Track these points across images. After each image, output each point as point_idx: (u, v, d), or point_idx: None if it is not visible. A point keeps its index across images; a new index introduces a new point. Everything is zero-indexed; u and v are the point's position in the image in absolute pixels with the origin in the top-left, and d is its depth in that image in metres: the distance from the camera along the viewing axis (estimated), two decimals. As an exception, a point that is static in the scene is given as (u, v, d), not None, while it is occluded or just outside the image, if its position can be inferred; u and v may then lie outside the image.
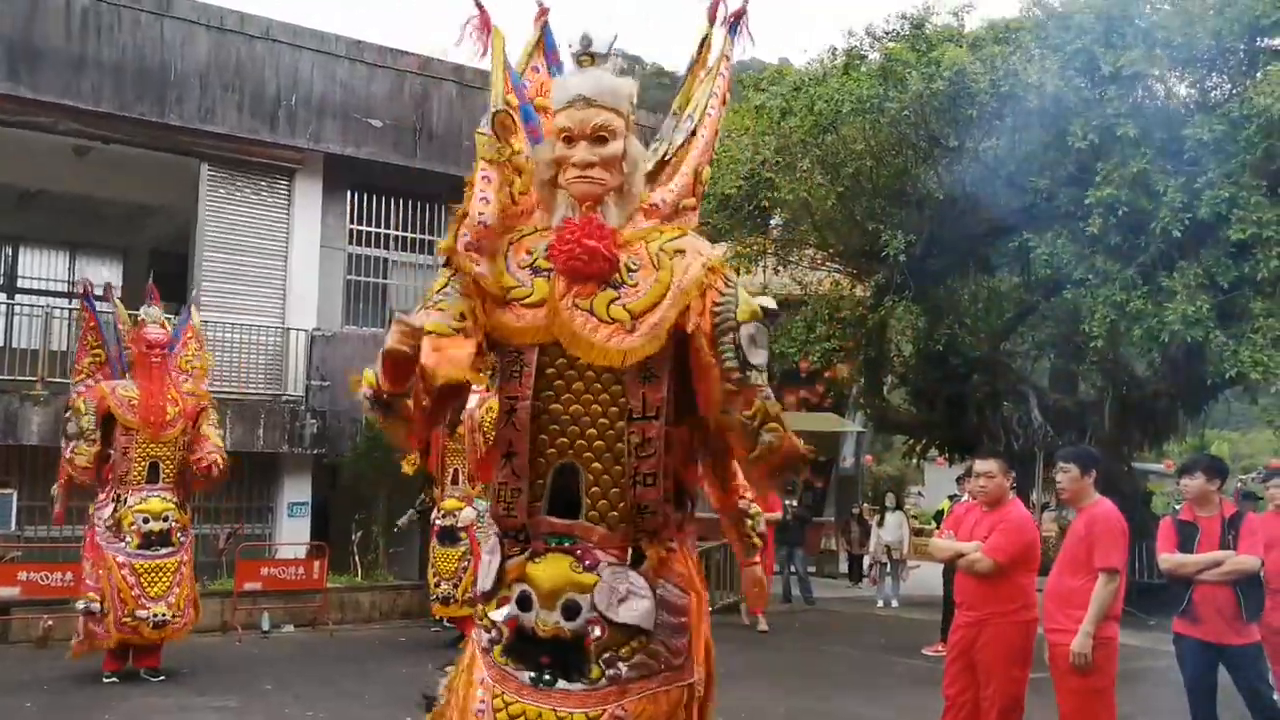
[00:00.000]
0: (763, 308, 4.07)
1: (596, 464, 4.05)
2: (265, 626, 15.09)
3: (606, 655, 4.00)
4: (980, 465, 8.25)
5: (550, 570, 4.07)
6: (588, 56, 4.26)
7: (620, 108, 4.16)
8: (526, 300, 4.11)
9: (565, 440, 4.07)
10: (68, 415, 11.75)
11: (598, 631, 3.99)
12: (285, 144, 17.92)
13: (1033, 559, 7.89)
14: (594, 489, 4.06)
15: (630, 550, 4.07)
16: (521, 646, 4.09)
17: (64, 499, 11.70)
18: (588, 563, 4.05)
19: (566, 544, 4.08)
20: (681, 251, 4.11)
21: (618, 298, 4.02)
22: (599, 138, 4.11)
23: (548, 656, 4.03)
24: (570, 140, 4.13)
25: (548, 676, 4.03)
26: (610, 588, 4.02)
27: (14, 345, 17.03)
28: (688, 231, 4.28)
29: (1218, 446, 33.90)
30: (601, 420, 4.01)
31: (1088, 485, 7.40)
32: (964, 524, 8.21)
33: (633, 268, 4.07)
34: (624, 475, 4.03)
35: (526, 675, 4.06)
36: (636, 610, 4.01)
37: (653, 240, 4.16)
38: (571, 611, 4.02)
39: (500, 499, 4.19)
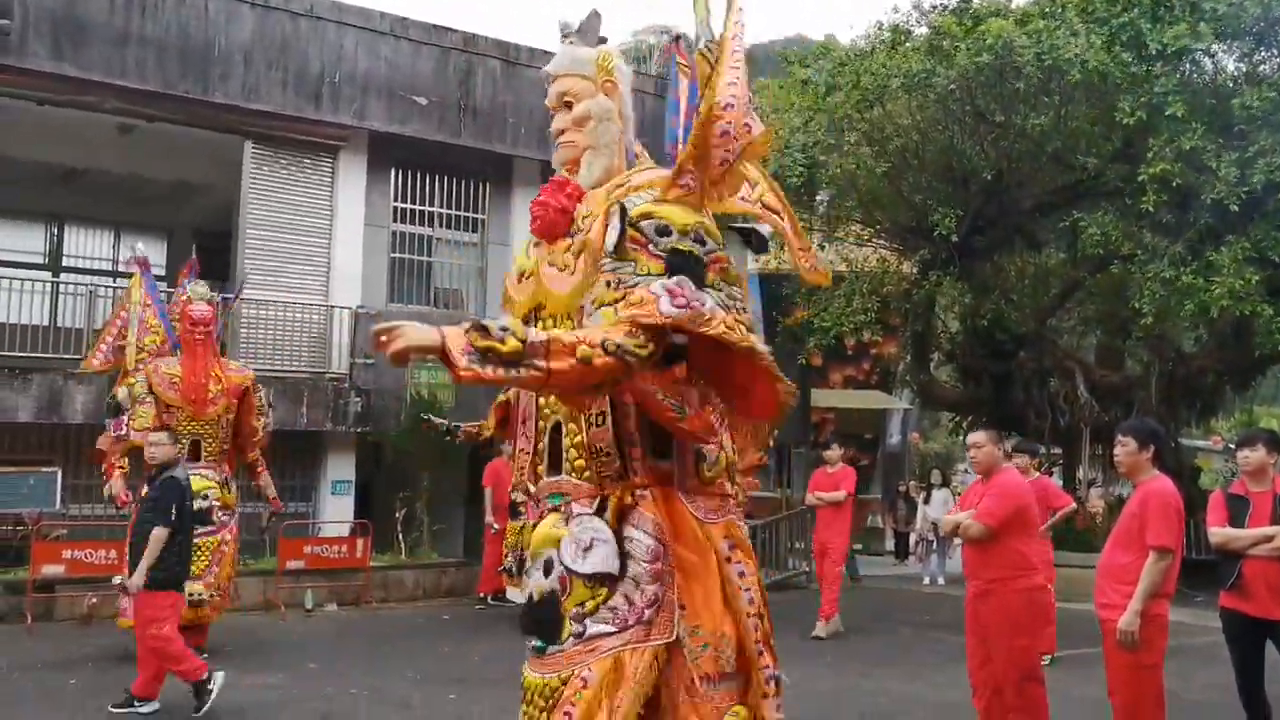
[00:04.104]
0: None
1: (569, 415, 4.10)
2: (309, 605, 15.15)
3: (574, 611, 3.96)
4: (971, 437, 8.44)
5: (540, 530, 4.13)
6: (565, 39, 4.48)
7: (582, 72, 4.33)
8: (524, 274, 4.32)
9: (555, 398, 4.11)
10: (112, 394, 11.79)
11: (563, 587, 3.99)
12: (330, 121, 17.91)
13: (1026, 523, 7.91)
14: (568, 441, 4.11)
15: (599, 499, 4.05)
16: (526, 615, 4.14)
17: (120, 484, 11.38)
18: (566, 516, 4.07)
19: (557, 502, 4.13)
20: (624, 184, 4.19)
21: (571, 245, 4.13)
22: (566, 104, 4.32)
23: (541, 621, 4.06)
24: (553, 117, 4.38)
25: (539, 643, 4.05)
26: (575, 540, 4.01)
27: (59, 324, 17.12)
28: (654, 166, 4.33)
29: (1265, 422, 33.49)
30: None
31: (1145, 460, 7.24)
32: (968, 499, 8.38)
33: (587, 214, 4.15)
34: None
35: (532, 645, 4.09)
36: (598, 556, 3.97)
37: (618, 184, 4.22)
38: (548, 568, 4.04)
39: (520, 468, 4.30)
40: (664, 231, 3.89)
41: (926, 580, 20.66)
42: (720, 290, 3.89)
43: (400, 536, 17.22)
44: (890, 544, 26.58)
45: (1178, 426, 21.93)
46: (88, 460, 15.28)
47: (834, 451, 14.65)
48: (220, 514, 11.42)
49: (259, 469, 12.40)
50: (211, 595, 11.23)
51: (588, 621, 3.93)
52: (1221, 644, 8.31)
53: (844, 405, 27.76)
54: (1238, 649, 8.06)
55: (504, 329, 3.45)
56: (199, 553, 11.09)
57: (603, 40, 4.53)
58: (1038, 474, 12.53)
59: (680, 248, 3.88)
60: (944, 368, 25.26)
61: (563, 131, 4.30)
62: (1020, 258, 21.35)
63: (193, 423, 11.38)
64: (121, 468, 11.39)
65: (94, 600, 13.55)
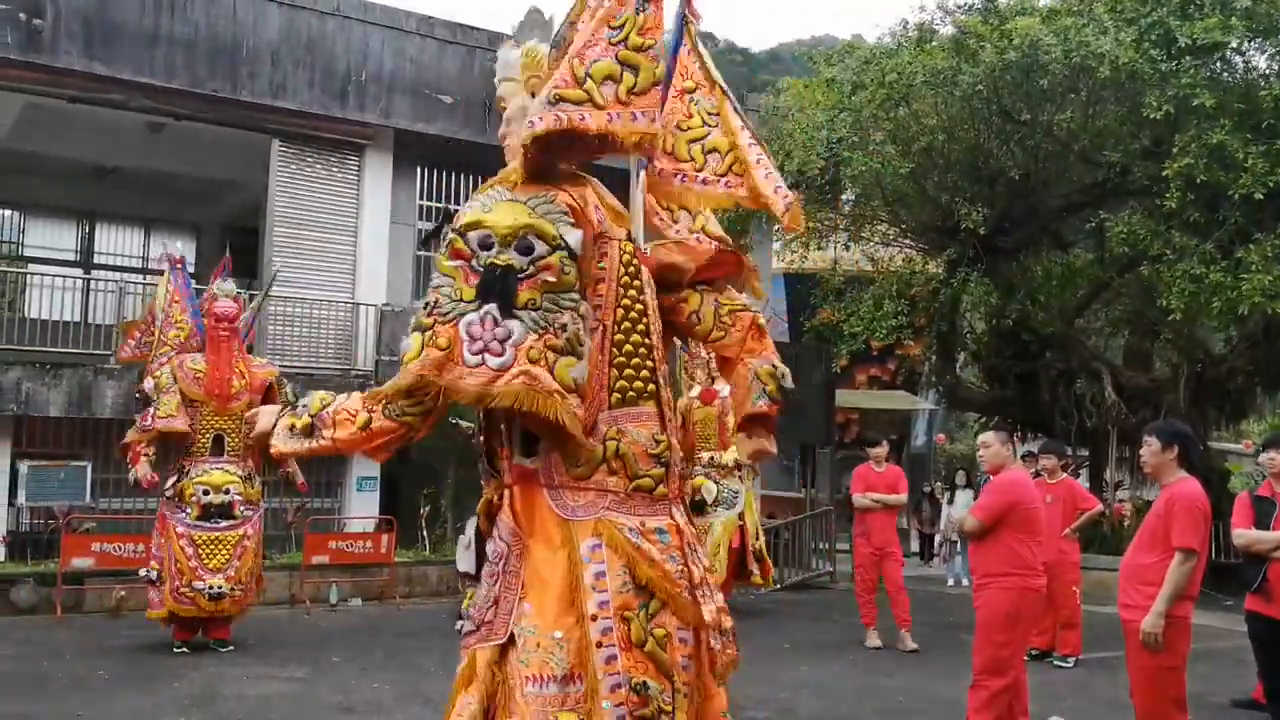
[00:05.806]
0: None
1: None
2: (333, 600, 15.21)
3: (462, 608, 4.02)
4: (980, 437, 8.66)
5: None
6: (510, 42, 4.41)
7: (508, 75, 4.29)
8: None
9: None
10: (139, 387, 11.89)
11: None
12: (356, 120, 17.99)
13: (1021, 522, 7.75)
14: None
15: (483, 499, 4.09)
16: None
17: (146, 468, 11.46)
18: None
19: None
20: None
21: None
22: (503, 109, 4.31)
23: None
24: None
25: None
26: (462, 540, 4.11)
27: (90, 320, 17.27)
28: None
29: (1297, 426, 33.29)
30: None
31: (1169, 461, 7.03)
32: None
33: None
34: None
35: None
36: (464, 556, 4.06)
37: None
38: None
39: None
40: (486, 244, 3.68)
41: (950, 581, 20.57)
42: (538, 309, 3.63)
43: (424, 533, 17.28)
44: (915, 545, 26.50)
45: (1207, 429, 21.78)
46: (117, 454, 15.45)
47: (881, 449, 13.63)
48: (243, 508, 11.49)
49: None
50: (232, 589, 11.26)
51: (461, 619, 3.97)
52: (1248, 648, 8.28)
53: (869, 405, 27.71)
54: (1263, 652, 8.03)
55: (305, 405, 3.68)
56: (219, 546, 11.23)
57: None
58: (1064, 475, 12.49)
59: (498, 262, 3.65)
60: (969, 368, 25.19)
61: (504, 136, 4.30)
62: (1047, 257, 21.26)
63: (216, 417, 11.48)
64: (147, 454, 11.49)
65: (123, 593, 13.66)
